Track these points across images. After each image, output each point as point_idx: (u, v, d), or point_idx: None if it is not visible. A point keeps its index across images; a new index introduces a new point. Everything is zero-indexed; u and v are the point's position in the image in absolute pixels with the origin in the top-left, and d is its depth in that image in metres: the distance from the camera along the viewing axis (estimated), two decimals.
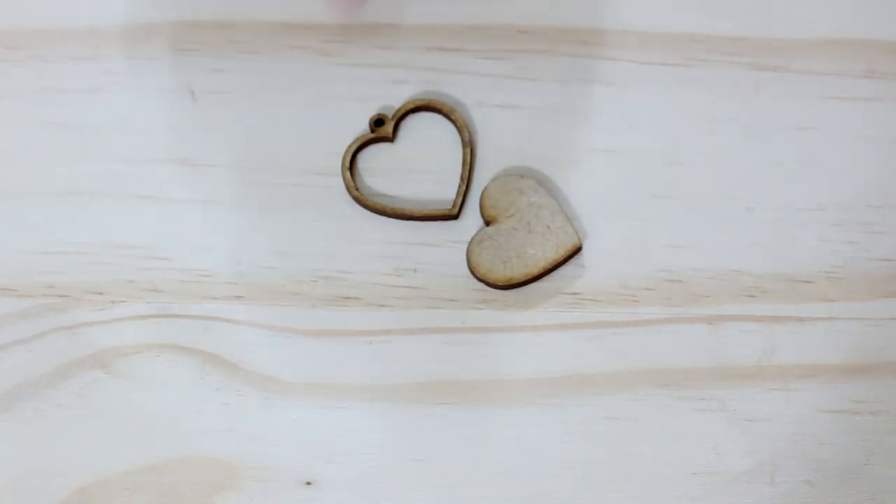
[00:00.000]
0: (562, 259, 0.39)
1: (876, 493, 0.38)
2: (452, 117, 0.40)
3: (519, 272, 0.39)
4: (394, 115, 0.40)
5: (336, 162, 0.40)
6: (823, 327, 0.39)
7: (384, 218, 0.40)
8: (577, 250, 0.39)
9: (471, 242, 0.39)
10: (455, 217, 0.40)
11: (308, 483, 0.38)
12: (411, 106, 0.41)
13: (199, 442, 0.38)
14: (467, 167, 0.40)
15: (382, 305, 0.39)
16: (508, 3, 0.42)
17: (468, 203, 0.40)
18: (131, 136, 0.41)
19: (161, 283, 0.40)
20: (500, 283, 0.39)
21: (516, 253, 0.39)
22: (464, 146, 0.40)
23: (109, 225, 0.41)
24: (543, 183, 0.40)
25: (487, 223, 0.39)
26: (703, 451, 0.38)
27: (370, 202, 0.40)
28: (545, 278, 0.39)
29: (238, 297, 0.40)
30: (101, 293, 0.40)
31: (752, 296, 0.39)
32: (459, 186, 0.40)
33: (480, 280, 0.39)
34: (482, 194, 0.40)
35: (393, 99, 0.41)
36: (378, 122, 0.40)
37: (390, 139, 0.40)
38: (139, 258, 0.40)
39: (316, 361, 0.39)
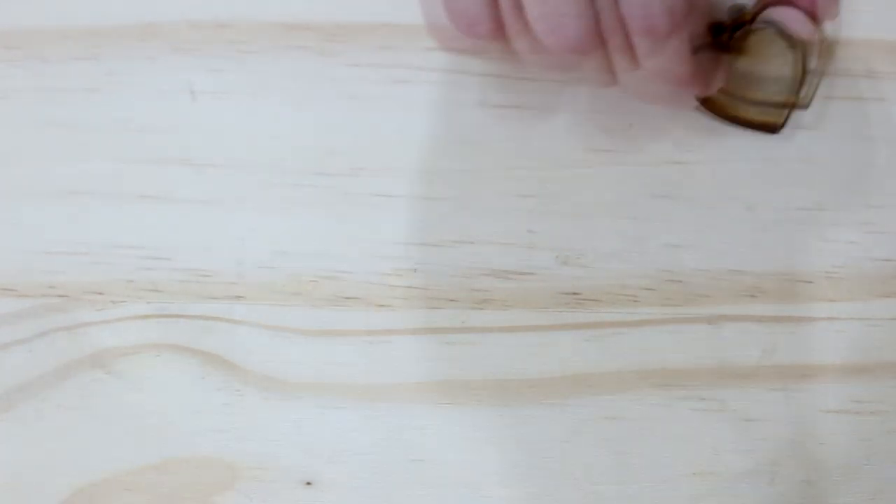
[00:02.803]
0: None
1: (876, 493, 0.38)
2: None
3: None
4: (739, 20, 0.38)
5: (335, 162, 0.40)
6: (823, 327, 0.39)
7: (384, 218, 0.40)
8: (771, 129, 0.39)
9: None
10: (776, 130, 0.38)
11: (308, 483, 0.38)
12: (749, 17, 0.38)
13: (199, 442, 0.38)
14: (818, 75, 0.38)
15: (382, 305, 0.39)
16: None
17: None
18: (131, 136, 0.41)
19: (161, 283, 0.40)
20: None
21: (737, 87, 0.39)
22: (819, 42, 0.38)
23: (109, 225, 0.41)
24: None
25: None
26: (703, 451, 0.38)
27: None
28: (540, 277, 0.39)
29: (238, 297, 0.40)
30: (101, 293, 0.40)
31: (752, 296, 0.39)
32: (787, 99, 0.38)
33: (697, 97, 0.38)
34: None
35: (393, 99, 0.41)
36: (718, 30, 0.39)
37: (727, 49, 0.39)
38: (139, 258, 0.40)
39: (316, 361, 0.39)
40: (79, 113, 0.42)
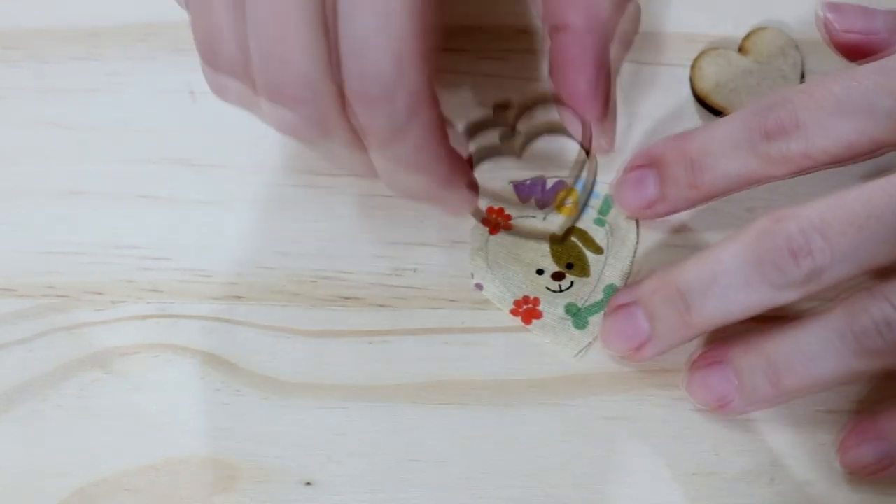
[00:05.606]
0: None
1: (876, 493, 0.38)
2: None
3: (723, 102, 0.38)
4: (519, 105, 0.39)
5: None
6: None
7: (384, 218, 0.40)
8: None
9: (702, 53, 0.40)
10: (559, 241, 0.39)
11: (308, 483, 0.38)
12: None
13: (199, 442, 0.38)
14: (589, 187, 0.38)
15: (382, 305, 0.39)
16: (508, 3, 0.42)
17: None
18: (131, 136, 0.41)
19: (161, 283, 0.40)
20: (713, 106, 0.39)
21: (738, 86, 0.39)
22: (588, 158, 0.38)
23: (109, 225, 0.41)
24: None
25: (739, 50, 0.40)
26: (703, 451, 0.38)
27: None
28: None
29: (238, 297, 0.40)
30: (101, 293, 0.40)
31: None
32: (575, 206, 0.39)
33: (697, 97, 0.40)
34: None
35: None
36: (500, 107, 0.39)
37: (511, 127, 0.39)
38: (139, 258, 0.40)
39: (316, 361, 0.39)
40: (79, 113, 0.42)
